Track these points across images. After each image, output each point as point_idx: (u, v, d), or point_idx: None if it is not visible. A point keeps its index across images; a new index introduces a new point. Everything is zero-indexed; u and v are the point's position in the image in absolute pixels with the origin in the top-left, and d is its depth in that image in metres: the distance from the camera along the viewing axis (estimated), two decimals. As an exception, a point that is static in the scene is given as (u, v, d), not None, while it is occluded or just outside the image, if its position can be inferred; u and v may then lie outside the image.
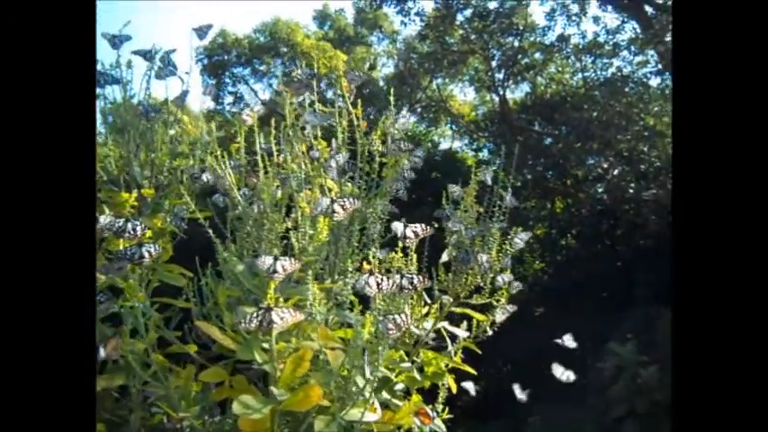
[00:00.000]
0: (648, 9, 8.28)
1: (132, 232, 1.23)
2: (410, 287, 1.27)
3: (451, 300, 1.60)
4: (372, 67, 12.47)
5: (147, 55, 1.70)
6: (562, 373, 1.78)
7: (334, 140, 1.55)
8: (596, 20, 8.81)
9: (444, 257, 1.61)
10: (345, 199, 1.33)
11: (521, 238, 1.62)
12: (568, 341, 1.79)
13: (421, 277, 1.29)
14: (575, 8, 8.88)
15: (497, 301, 1.60)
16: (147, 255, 1.24)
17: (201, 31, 1.83)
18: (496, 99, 10.22)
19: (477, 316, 1.61)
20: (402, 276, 1.27)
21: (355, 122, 1.53)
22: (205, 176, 1.55)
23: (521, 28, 9.14)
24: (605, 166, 8.20)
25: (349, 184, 1.55)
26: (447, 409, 1.59)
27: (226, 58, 11.81)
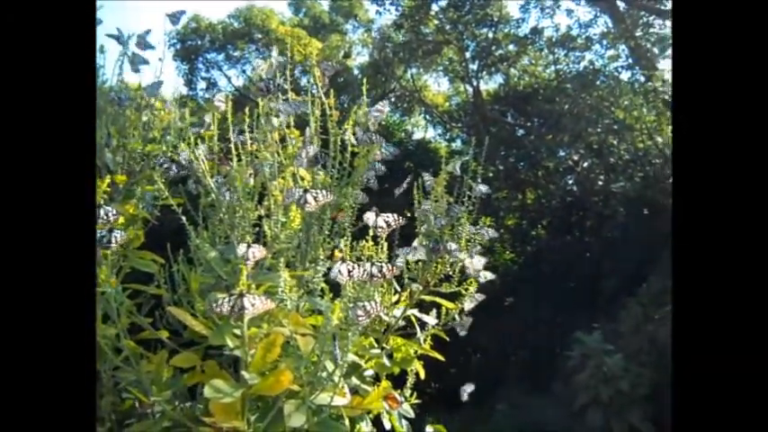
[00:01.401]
0: (620, 4, 8.38)
1: (105, 218, 1.24)
2: (380, 275, 1.29)
3: (421, 287, 1.63)
4: (347, 56, 12.41)
5: (120, 39, 1.69)
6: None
7: (307, 129, 1.56)
8: (569, 13, 8.90)
9: (415, 246, 1.64)
10: (318, 190, 1.35)
11: (487, 232, 1.65)
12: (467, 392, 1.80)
13: (391, 265, 1.32)
14: (548, 1, 8.96)
15: (466, 289, 1.63)
16: (114, 240, 1.25)
17: (175, 17, 1.82)
18: (470, 90, 10.27)
19: (447, 304, 1.65)
20: (372, 264, 1.29)
21: (328, 112, 1.54)
22: (175, 167, 1.55)
23: (495, 19, 9.18)
24: (575, 158, 8.30)
25: (321, 173, 1.57)
26: (416, 394, 1.62)
27: (199, 43, 11.64)
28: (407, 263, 1.62)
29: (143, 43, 1.72)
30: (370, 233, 1.36)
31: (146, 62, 1.70)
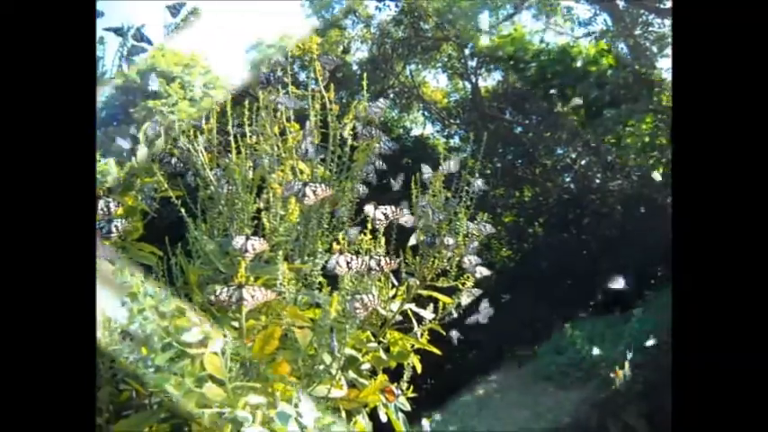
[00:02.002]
0: (620, 2, 8.38)
1: (106, 210, 1.24)
2: (378, 268, 1.30)
3: (418, 282, 1.63)
4: (346, 51, 12.38)
5: (119, 31, 1.69)
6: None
7: (307, 123, 1.56)
8: (569, 10, 8.90)
9: (412, 241, 1.64)
10: (317, 184, 1.35)
11: (484, 227, 1.65)
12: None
13: (388, 259, 1.32)
14: (548, -1, 8.95)
15: (463, 284, 1.64)
16: (114, 229, 1.26)
17: (174, 9, 1.82)
18: (469, 87, 10.27)
19: (444, 298, 1.65)
20: (371, 257, 1.29)
21: (328, 106, 1.54)
22: (174, 160, 1.55)
23: (494, 16, 9.18)
24: (573, 155, 8.32)
25: (320, 167, 1.57)
26: (412, 388, 1.63)
27: (197, 36, 11.60)
28: (405, 258, 1.62)
29: (139, 36, 1.72)
30: (369, 226, 1.37)
31: (144, 51, 1.70)
